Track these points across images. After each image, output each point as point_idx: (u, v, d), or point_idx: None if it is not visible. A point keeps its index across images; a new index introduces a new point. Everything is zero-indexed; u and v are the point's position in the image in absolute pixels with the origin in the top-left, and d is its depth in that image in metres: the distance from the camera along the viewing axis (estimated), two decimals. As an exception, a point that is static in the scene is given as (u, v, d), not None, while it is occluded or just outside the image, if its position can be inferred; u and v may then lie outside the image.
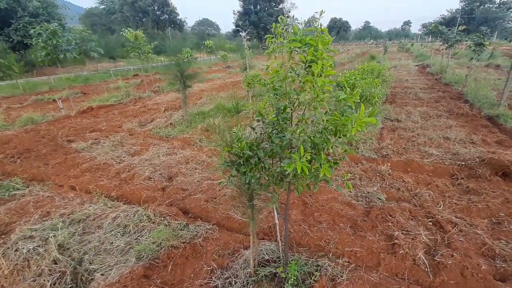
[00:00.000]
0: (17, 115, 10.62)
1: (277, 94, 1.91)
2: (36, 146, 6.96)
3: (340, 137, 1.67)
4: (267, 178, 1.97)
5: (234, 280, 2.65)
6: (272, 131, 1.95)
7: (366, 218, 3.59)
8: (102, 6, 55.82)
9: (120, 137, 7.51)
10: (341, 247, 3.07)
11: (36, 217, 3.80)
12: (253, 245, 2.67)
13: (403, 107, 8.96)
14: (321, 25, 1.66)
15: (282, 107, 1.82)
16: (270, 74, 1.81)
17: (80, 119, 9.97)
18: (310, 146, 1.76)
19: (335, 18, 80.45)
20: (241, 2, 50.17)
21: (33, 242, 3.13)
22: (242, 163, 1.88)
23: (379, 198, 3.99)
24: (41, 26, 10.09)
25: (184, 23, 61.19)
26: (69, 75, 22.12)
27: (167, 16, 52.31)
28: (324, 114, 1.66)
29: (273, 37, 1.82)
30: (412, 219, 3.51)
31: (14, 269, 2.78)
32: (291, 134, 1.65)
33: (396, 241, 3.05)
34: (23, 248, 2.98)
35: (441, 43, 14.08)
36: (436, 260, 2.79)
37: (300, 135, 1.63)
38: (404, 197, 4.06)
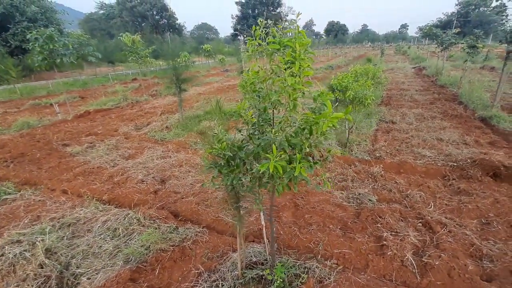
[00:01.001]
0: (13, 119, 10.61)
1: (259, 96, 1.93)
2: (30, 150, 6.95)
3: (318, 137, 1.67)
4: (249, 180, 1.97)
5: (221, 283, 2.64)
6: (254, 132, 1.95)
7: (356, 219, 3.58)
8: (102, 11, 56.19)
9: (115, 140, 7.50)
10: (330, 248, 3.06)
11: (26, 221, 3.79)
12: (240, 248, 2.66)
13: (399, 109, 8.99)
14: (298, 26, 1.68)
15: (263, 108, 1.83)
16: (250, 76, 1.82)
17: (76, 123, 9.97)
18: (290, 146, 1.77)
19: (332, 21, 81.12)
20: (239, 7, 50.54)
21: (21, 246, 3.11)
22: (223, 164, 1.88)
23: (370, 200, 3.99)
24: (37, 31, 10.13)
25: (183, 28, 61.53)
26: (67, 79, 22.18)
27: (166, 20, 52.62)
28: (299, 113, 1.67)
29: (253, 40, 1.83)
30: (402, 220, 3.50)
31: (0, 273, 2.76)
32: (269, 135, 1.65)
33: (384, 242, 3.04)
34: (9, 253, 2.96)
35: (436, 45, 14.17)
36: (424, 261, 2.78)
37: (276, 135, 1.63)
38: (395, 198, 4.05)
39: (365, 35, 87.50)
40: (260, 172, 1.59)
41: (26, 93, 16.64)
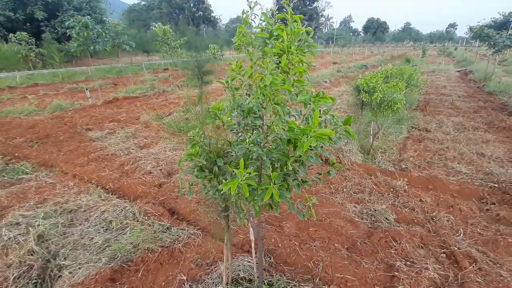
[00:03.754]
0: (50, 101, 11.26)
1: (248, 95, 1.62)
2: (56, 132, 7.26)
3: (301, 154, 1.32)
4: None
5: (203, 296, 2.41)
6: (238, 137, 1.65)
7: (367, 240, 3.15)
8: (143, 3, 58.50)
9: (134, 129, 7.60)
10: (331, 272, 2.70)
11: (32, 203, 3.85)
12: (226, 261, 2.41)
13: (435, 116, 8.11)
14: (291, 12, 1.33)
15: (246, 110, 1.52)
16: (234, 70, 1.52)
17: (104, 109, 10.31)
18: (275, 160, 1.45)
19: (372, 18, 76.59)
20: (275, 0, 49.63)
21: (18, 229, 3.14)
22: (197, 172, 1.62)
23: (387, 218, 3.51)
24: (74, 19, 10.59)
25: (219, 20, 62.07)
26: (105, 66, 23.35)
27: (201, 13, 53.39)
28: (279, 120, 1.33)
29: (245, 27, 1.52)
30: (422, 248, 3.01)
31: (-8, 256, 2.78)
32: (245, 145, 1.34)
33: (396, 273, 2.60)
34: (5, 235, 2.99)
35: (488, 47, 12.64)
36: (443, 303, 2.32)
37: (250, 145, 1.32)
38: (417, 219, 3.53)
39: (407, 34, 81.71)
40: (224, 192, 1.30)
41: (67, 77, 17.73)
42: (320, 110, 1.45)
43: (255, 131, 1.48)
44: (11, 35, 16.53)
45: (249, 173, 1.19)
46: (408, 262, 2.76)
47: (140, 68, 23.67)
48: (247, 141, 1.34)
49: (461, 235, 3.19)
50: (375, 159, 5.44)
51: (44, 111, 9.80)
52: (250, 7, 1.49)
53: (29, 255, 2.76)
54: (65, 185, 4.50)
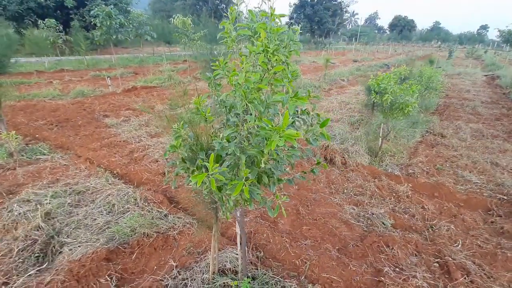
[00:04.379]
0: (73, 87, 11.79)
1: (233, 89, 1.65)
2: (75, 117, 7.63)
3: (272, 153, 1.35)
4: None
5: (190, 284, 2.50)
6: (222, 131, 1.70)
7: (359, 243, 3.13)
8: (169, -7, 59.17)
9: (148, 117, 7.84)
10: (318, 271, 2.71)
11: (45, 182, 4.11)
12: (213, 251, 2.49)
13: (453, 121, 7.77)
14: (272, 8, 1.35)
15: (228, 106, 1.55)
16: (217, 66, 1.55)
17: (122, 97, 10.67)
18: (251, 157, 1.48)
19: (399, 15, 73.31)
20: (293, -2, 48.73)
21: (28, 206, 3.37)
22: (178, 163, 1.68)
23: (383, 223, 3.46)
24: (99, 8, 10.96)
25: (241, 13, 61.68)
26: (128, 55, 24.04)
27: (224, 5, 53.37)
28: (251, 118, 1.35)
29: (228, 24, 1.55)
30: (415, 255, 2.95)
31: (3, 229, 3.01)
32: (219, 141, 1.38)
33: (382, 278, 2.58)
34: (16, 210, 3.22)
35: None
36: (426, 312, 2.28)
37: (224, 141, 1.36)
38: (415, 226, 3.45)
39: (435, 34, 77.63)
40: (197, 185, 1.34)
41: (92, 65, 18.44)
42: (298, 110, 1.46)
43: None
44: (40, 21, 17.36)
45: (219, 167, 1.23)
46: (397, 269, 2.72)
47: (161, 58, 24.17)
48: (221, 136, 1.38)
49: (459, 246, 3.09)
50: (382, 162, 5.33)
51: (67, 96, 10.28)
52: (236, 5, 1.51)
53: (35, 231, 2.98)
54: (77, 168, 4.75)
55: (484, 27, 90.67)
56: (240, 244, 2.37)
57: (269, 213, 1.50)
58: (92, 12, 11.15)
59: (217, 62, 1.55)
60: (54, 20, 17.82)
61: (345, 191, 4.28)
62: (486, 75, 17.03)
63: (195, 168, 1.71)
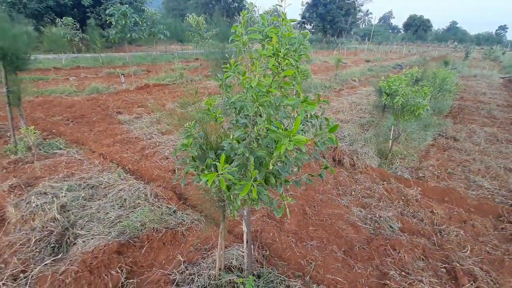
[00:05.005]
0: (89, 84, 12.09)
1: (244, 91, 1.70)
2: (90, 113, 7.85)
3: (281, 156, 1.38)
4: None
5: (196, 279, 2.57)
6: (233, 132, 1.75)
7: (365, 246, 3.13)
8: (182, -8, 59.73)
9: (159, 115, 7.98)
10: (323, 272, 2.74)
11: (61, 176, 4.27)
12: (220, 248, 2.54)
13: (467, 125, 7.59)
14: (283, 13, 1.38)
15: (238, 108, 1.60)
16: (228, 68, 1.60)
17: (135, 94, 10.89)
18: (259, 158, 1.52)
19: (414, 15, 71.60)
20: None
21: (45, 198, 3.52)
22: (189, 162, 1.74)
23: (391, 226, 3.44)
24: (114, 7, 11.21)
25: (253, 12, 61.70)
26: (141, 53, 24.45)
27: (236, 4, 53.50)
28: (261, 120, 1.39)
29: (240, 28, 1.60)
30: (422, 260, 2.93)
31: (21, 219, 3.16)
32: (227, 142, 1.43)
33: (388, 281, 2.58)
34: (34, 202, 3.37)
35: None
36: (431, 317, 2.28)
37: (234, 141, 1.40)
38: (423, 231, 3.42)
39: (452, 34, 75.39)
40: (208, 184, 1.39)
41: (106, 62, 18.87)
42: (307, 115, 1.49)
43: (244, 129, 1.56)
44: (58, 19, 17.86)
45: (229, 167, 1.28)
46: (403, 273, 2.72)
47: (173, 56, 24.50)
48: (231, 137, 1.43)
49: (468, 251, 3.05)
50: (392, 165, 5.27)
51: (82, 92, 10.56)
52: (249, 8, 1.55)
53: (51, 222, 3.11)
54: (91, 163, 4.90)
55: (503, 28, 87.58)
56: (247, 242, 2.42)
57: (275, 213, 1.54)
58: (108, 11, 11.41)
59: (228, 64, 1.59)
60: (71, 18, 18.31)
61: (353, 193, 4.27)
62: (503, 78, 16.49)
63: (204, 167, 1.77)
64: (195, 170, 1.83)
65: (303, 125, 1.58)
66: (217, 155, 1.74)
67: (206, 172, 1.81)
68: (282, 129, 1.32)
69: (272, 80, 1.39)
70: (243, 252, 2.83)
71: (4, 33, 4.39)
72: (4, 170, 4.40)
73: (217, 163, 1.41)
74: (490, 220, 3.65)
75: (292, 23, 1.51)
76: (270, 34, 1.41)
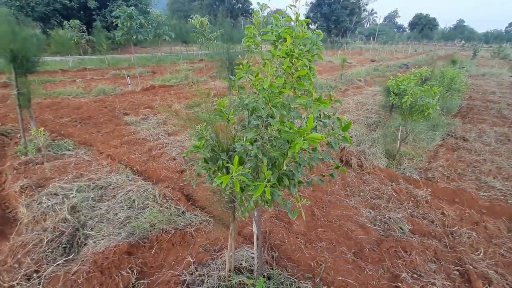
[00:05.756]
0: (95, 85, 12.21)
1: (256, 93, 1.69)
2: (97, 115, 7.92)
3: (295, 156, 1.37)
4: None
5: (206, 280, 2.57)
6: (245, 133, 1.74)
7: (376, 247, 3.09)
8: (187, -7, 60.09)
9: (165, 116, 8.02)
10: (333, 274, 2.71)
11: (70, 177, 4.31)
12: (230, 249, 2.54)
13: (477, 124, 7.48)
14: (297, 14, 1.37)
15: (250, 109, 1.59)
16: (241, 69, 1.59)
17: (141, 96, 10.96)
18: (274, 159, 1.51)
19: (420, 14, 70.83)
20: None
21: (56, 199, 3.56)
22: (201, 163, 1.74)
23: (401, 228, 3.40)
24: (120, 9, 11.31)
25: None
26: (146, 55, 24.63)
27: (240, 5, 53.62)
28: (274, 121, 1.38)
29: (253, 28, 1.59)
30: (433, 262, 2.89)
31: (33, 220, 3.20)
32: (240, 143, 1.42)
33: (399, 284, 2.54)
34: (45, 203, 3.41)
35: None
36: (445, 320, 2.24)
37: (247, 143, 1.40)
38: (435, 232, 3.37)
39: (459, 32, 74.39)
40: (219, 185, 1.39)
41: (112, 64, 19.03)
42: (320, 114, 1.48)
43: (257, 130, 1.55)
44: (65, 22, 18.08)
45: (242, 169, 1.28)
46: (415, 275, 2.68)
47: (178, 58, 24.63)
48: (244, 139, 1.42)
49: (481, 254, 3.00)
50: (400, 165, 5.22)
51: (89, 94, 10.67)
52: (261, 9, 1.54)
53: (62, 223, 3.14)
54: (100, 164, 4.94)
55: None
56: (257, 243, 2.41)
57: (289, 215, 1.53)
58: (114, 13, 11.53)
59: (240, 66, 1.59)
60: (78, 20, 18.53)
61: (361, 194, 4.24)
62: (513, 76, 16.24)
63: (216, 168, 1.77)
64: (207, 172, 1.82)
65: (316, 125, 1.57)
66: (229, 156, 1.74)
67: (218, 174, 1.81)
68: (295, 129, 1.31)
69: (285, 80, 1.38)
70: (253, 253, 2.82)
71: (14, 36, 4.46)
72: (15, 171, 4.46)
73: (230, 165, 1.40)
74: (503, 222, 3.58)
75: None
76: (284, 35, 1.40)
